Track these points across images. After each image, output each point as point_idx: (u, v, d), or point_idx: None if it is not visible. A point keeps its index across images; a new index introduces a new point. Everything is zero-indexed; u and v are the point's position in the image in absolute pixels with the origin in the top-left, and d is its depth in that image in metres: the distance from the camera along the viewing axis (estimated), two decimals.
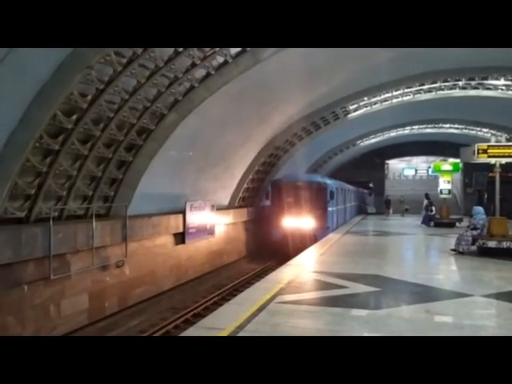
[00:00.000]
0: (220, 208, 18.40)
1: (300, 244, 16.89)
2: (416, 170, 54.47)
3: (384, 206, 32.69)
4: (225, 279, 16.29)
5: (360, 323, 5.93)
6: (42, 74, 8.31)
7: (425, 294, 7.65)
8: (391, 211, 31.88)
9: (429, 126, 31.41)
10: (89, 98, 9.60)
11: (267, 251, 20.09)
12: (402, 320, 6.13)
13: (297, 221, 19.22)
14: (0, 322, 8.59)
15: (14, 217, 9.39)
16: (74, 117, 9.57)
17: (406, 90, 20.60)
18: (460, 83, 19.69)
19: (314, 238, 17.29)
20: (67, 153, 9.91)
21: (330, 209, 19.67)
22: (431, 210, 22.47)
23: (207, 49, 10.87)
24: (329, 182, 20.84)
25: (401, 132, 33.04)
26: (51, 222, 9.61)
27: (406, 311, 6.66)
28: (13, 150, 8.58)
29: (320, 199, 19.34)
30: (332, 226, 19.90)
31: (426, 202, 23.31)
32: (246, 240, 21.86)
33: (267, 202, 22.20)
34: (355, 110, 22.17)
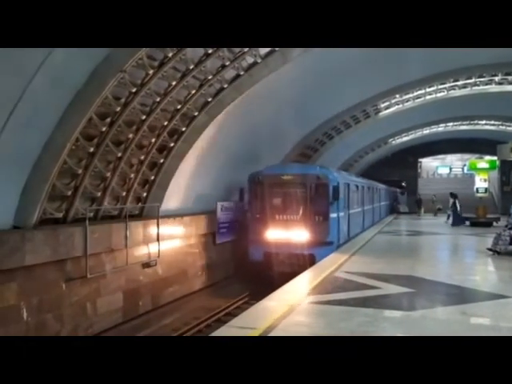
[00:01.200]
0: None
1: (289, 268, 12.53)
2: (450, 169, 53.15)
3: (415, 206, 32.10)
4: None
5: (393, 324, 5.84)
6: (77, 78, 8.58)
7: (460, 296, 7.45)
8: (422, 211, 31.24)
9: (464, 122, 30.55)
10: (122, 101, 9.84)
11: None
12: (437, 322, 6.00)
13: (284, 233, 13.58)
14: (40, 320, 8.90)
15: (52, 217, 9.72)
16: (108, 120, 9.83)
17: (440, 87, 20.13)
18: (496, 78, 19.08)
19: (310, 259, 12.48)
20: (102, 155, 10.18)
21: (333, 215, 13.73)
22: (455, 208, 21.74)
23: (237, 49, 10.95)
24: (333, 175, 14.52)
25: (434, 129, 32.29)
26: (87, 222, 9.90)
27: (441, 313, 6.51)
28: (51, 153, 8.89)
29: (319, 200, 13.60)
30: (338, 241, 13.98)
31: (451, 200, 22.49)
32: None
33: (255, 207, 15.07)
34: (386, 107, 21.84)
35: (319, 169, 14.65)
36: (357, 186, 18.15)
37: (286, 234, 13.57)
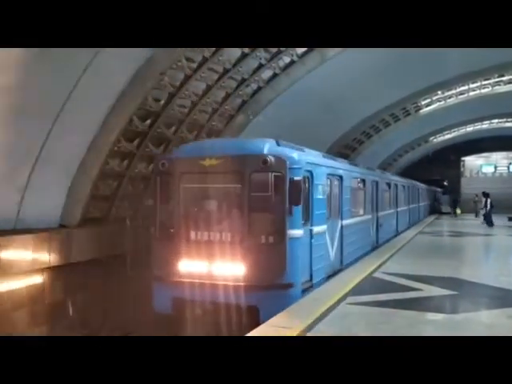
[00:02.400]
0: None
1: (213, 329, 7.38)
2: (495, 167, 51.09)
3: (452, 206, 31.39)
4: None
5: (436, 327, 5.69)
6: (120, 81, 8.83)
7: (506, 299, 7.15)
8: (458, 211, 30.40)
9: (509, 119, 29.41)
10: (162, 102, 10.05)
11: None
12: (481, 325, 5.79)
13: (206, 266, 7.48)
14: (84, 315, 9.20)
15: (95, 216, 10.04)
16: (149, 121, 10.06)
17: (484, 82, 19.44)
18: None
19: (251, 315, 7.00)
20: (142, 155, 10.43)
21: (296, 232, 7.37)
22: (485, 207, 20.94)
23: (274, 49, 10.97)
24: (298, 157, 7.63)
25: (478, 127, 31.24)
26: (128, 221, 10.15)
27: (485, 316, 6.29)
28: (94, 155, 9.20)
29: (268, 205, 7.36)
30: (309, 278, 7.92)
31: (483, 200, 21.63)
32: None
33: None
34: (427, 105, 21.30)
35: (269, 146, 7.50)
36: (364, 182, 12.03)
37: (209, 266, 7.37)
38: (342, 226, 9.75)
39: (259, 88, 12.12)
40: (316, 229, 8.09)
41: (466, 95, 20.70)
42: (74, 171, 9.12)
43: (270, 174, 7.16)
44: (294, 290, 7.27)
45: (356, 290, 7.65)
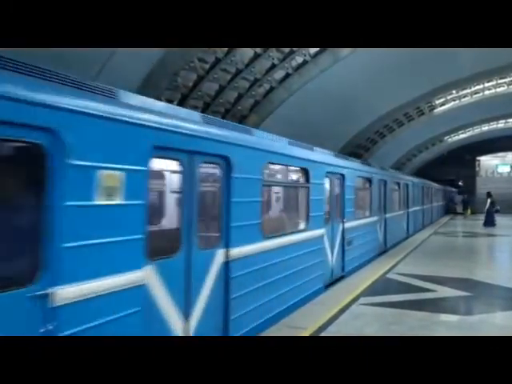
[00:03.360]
0: None
1: None
2: (511, 167, 50.38)
3: (462, 206, 31.25)
4: None
5: (449, 329, 5.64)
6: (134, 82, 8.92)
7: None
8: (469, 212, 30.13)
9: None
10: (175, 103, 10.12)
11: None
12: (496, 327, 5.73)
13: None
14: None
15: None
16: None
17: (500, 81, 19.21)
18: None
19: None
20: None
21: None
22: (492, 207, 20.81)
23: (286, 49, 10.99)
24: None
25: (494, 126, 30.88)
26: None
27: (500, 318, 6.22)
28: None
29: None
30: None
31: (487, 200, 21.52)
32: None
33: None
34: (442, 104, 21.10)
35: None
36: (306, 173, 7.02)
37: None
38: (227, 262, 4.73)
39: (272, 88, 12.14)
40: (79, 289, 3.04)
41: (481, 94, 20.48)
42: None
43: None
44: None
45: (369, 291, 7.63)
